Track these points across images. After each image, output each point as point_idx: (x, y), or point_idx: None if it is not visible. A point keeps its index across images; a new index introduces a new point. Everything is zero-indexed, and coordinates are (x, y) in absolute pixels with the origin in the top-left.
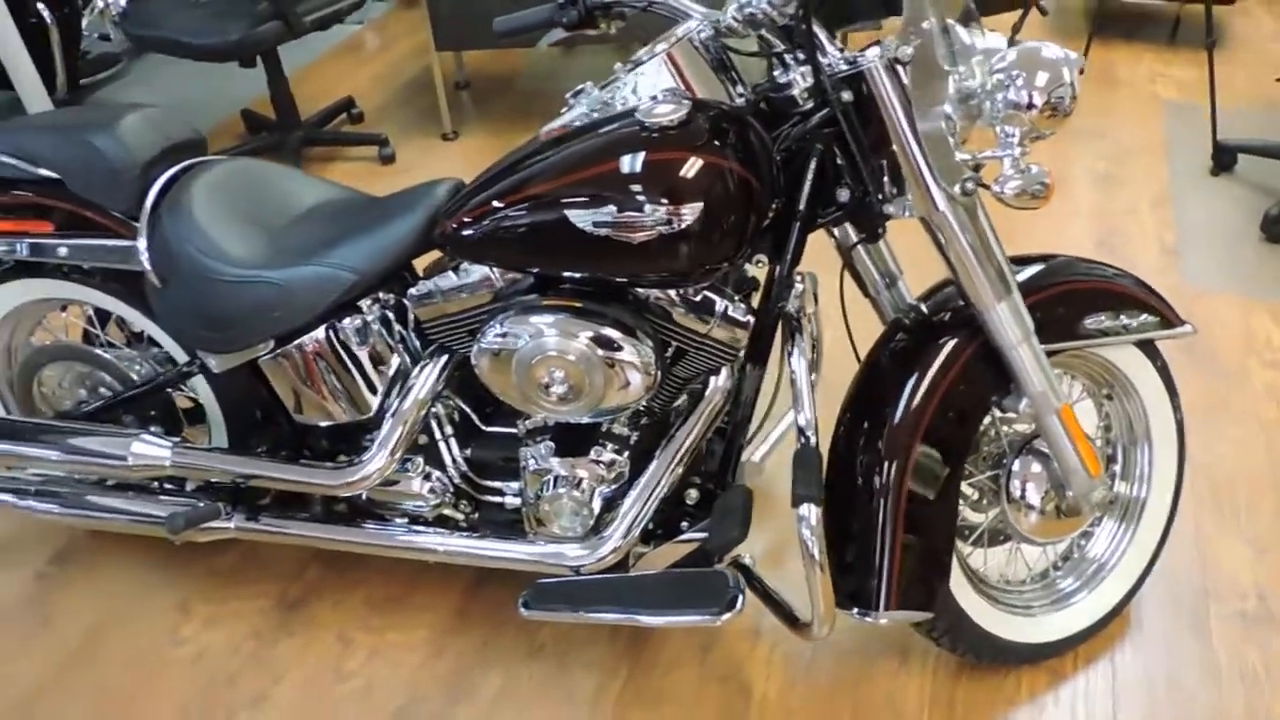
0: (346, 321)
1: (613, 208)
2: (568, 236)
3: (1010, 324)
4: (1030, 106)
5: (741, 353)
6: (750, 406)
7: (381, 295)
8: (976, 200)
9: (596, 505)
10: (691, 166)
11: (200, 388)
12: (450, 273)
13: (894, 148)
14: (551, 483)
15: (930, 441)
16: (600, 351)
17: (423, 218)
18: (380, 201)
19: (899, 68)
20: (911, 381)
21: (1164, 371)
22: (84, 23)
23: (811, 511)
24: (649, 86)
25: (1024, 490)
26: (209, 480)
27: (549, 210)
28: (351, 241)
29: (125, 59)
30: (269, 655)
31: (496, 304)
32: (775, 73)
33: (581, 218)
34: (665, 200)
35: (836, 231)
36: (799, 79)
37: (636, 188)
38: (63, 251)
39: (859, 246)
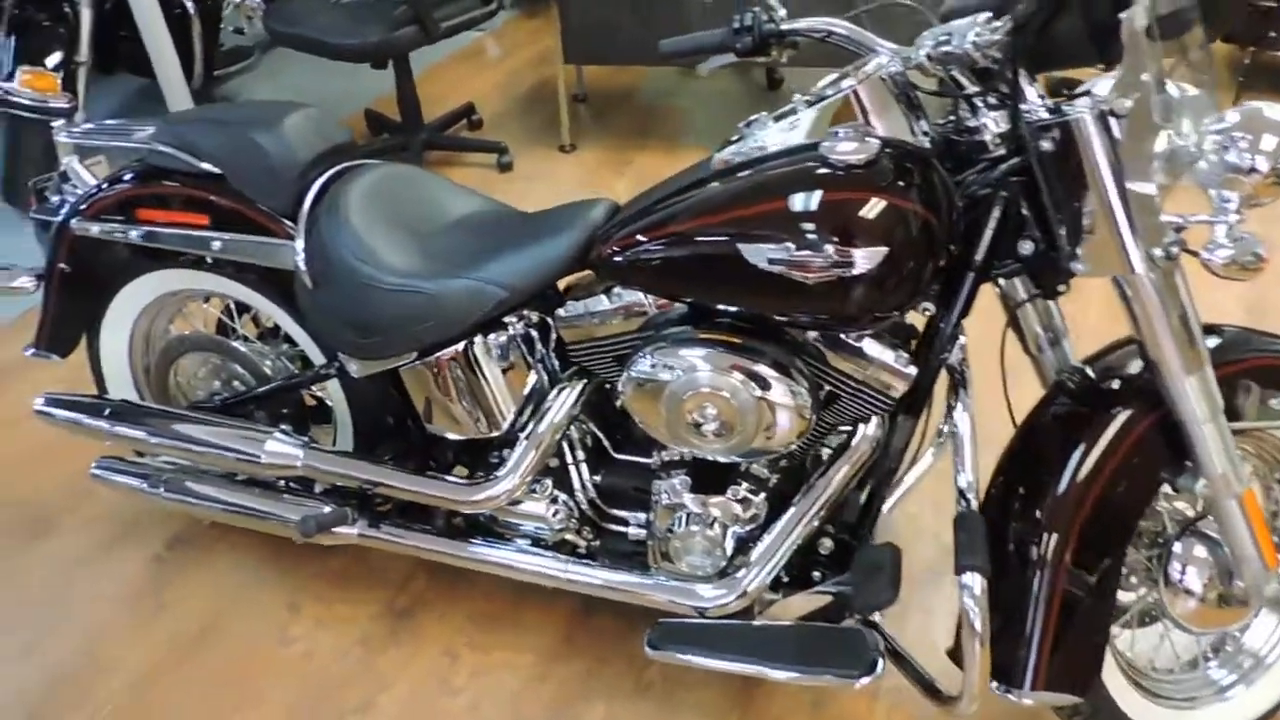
0: (491, 337)
1: (790, 245)
2: (737, 270)
3: (1198, 399)
4: (1253, 171)
5: (896, 403)
6: (898, 459)
7: (526, 312)
8: (1177, 266)
9: (729, 546)
10: (877, 208)
11: (333, 389)
12: (602, 296)
13: (1093, 203)
14: (684, 519)
15: (1095, 516)
16: (756, 391)
17: (578, 238)
18: (532, 218)
19: (1111, 120)
20: (1079, 451)
21: None
22: (223, 15)
23: (976, 582)
24: (826, 121)
25: (1185, 574)
26: (335, 484)
27: (720, 242)
28: (504, 256)
29: (257, 53)
30: (376, 663)
31: (647, 332)
32: (962, 113)
33: (755, 252)
34: (847, 242)
35: (1003, 283)
36: (991, 123)
37: (817, 226)
38: (216, 245)
39: (1028, 302)
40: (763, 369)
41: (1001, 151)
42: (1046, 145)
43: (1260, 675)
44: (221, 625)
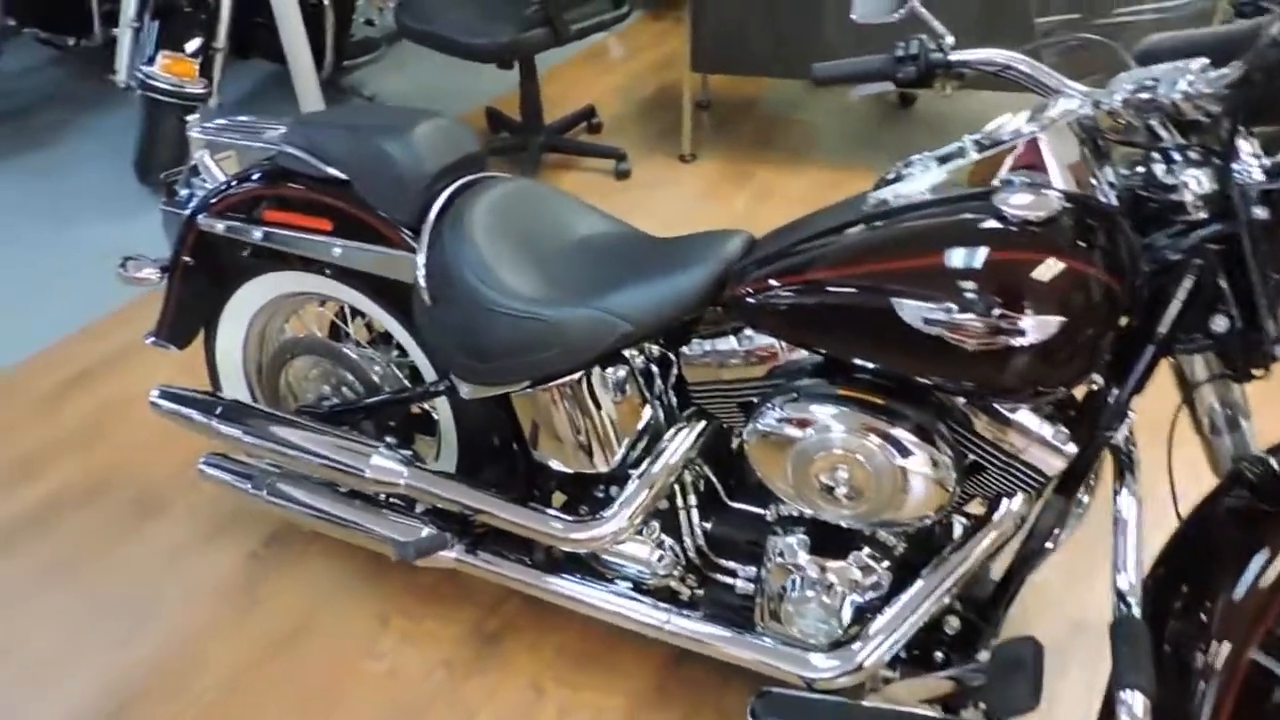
0: (609, 371)
1: (952, 305)
2: (888, 327)
3: None
4: None
5: (1048, 481)
6: (1045, 540)
7: (648, 346)
8: None
9: (846, 615)
10: (1056, 272)
11: (440, 405)
12: (730, 336)
13: None
14: (799, 582)
15: (1274, 630)
16: (895, 457)
17: (710, 273)
18: (662, 245)
19: None
20: (1263, 555)
21: None
22: (355, 7)
23: (1139, 701)
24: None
25: None
26: (436, 505)
27: (872, 294)
28: (631, 288)
29: (384, 45)
30: (461, 688)
31: (776, 380)
32: (1154, 166)
33: (910, 310)
34: (1019, 307)
35: (1183, 358)
36: (1193, 181)
37: (986, 287)
38: (337, 252)
39: (1211, 383)
40: (904, 434)
41: (1202, 215)
42: (1261, 213)
43: None
44: (312, 628)
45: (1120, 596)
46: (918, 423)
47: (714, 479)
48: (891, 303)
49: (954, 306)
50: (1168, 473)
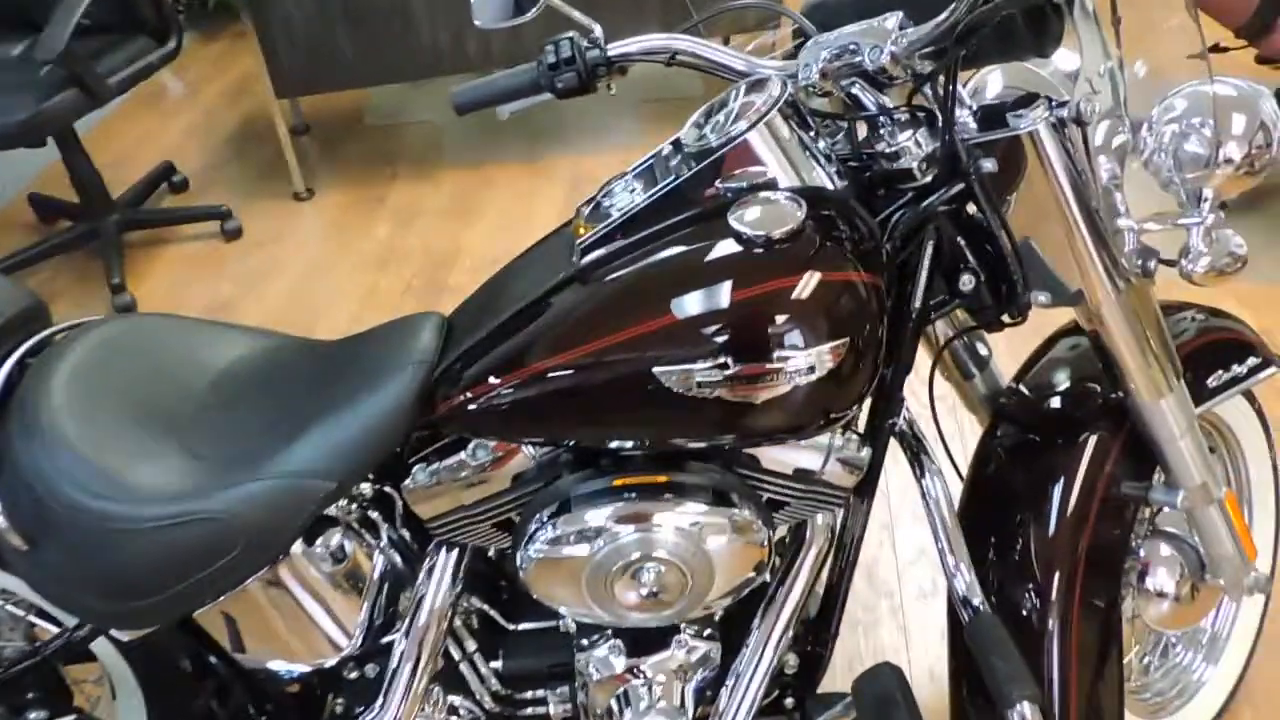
0: (318, 542)
1: (724, 358)
2: (654, 401)
3: (1175, 416)
4: (1226, 163)
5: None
6: (857, 547)
7: (358, 489)
8: (1152, 281)
9: (690, 704)
10: (823, 288)
11: (100, 645)
12: (458, 453)
13: (1054, 225)
14: (626, 694)
15: (1091, 549)
16: (707, 539)
17: (412, 384)
18: (337, 356)
19: (1072, 129)
20: (1060, 482)
21: (1260, 414)
22: None
23: (1031, 712)
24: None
25: (1155, 577)
26: None
27: (622, 367)
28: (314, 431)
29: None
30: None
31: (531, 487)
32: (863, 133)
33: (676, 377)
34: (798, 340)
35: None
36: (914, 145)
37: (755, 329)
38: None
39: (958, 338)
40: (702, 507)
41: (928, 178)
42: (989, 165)
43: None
44: None
45: (965, 603)
46: (711, 488)
47: (485, 608)
48: (654, 374)
49: (727, 359)
50: (937, 432)
